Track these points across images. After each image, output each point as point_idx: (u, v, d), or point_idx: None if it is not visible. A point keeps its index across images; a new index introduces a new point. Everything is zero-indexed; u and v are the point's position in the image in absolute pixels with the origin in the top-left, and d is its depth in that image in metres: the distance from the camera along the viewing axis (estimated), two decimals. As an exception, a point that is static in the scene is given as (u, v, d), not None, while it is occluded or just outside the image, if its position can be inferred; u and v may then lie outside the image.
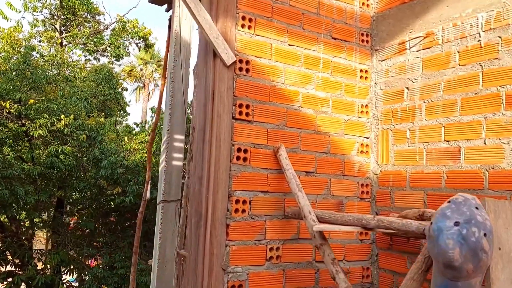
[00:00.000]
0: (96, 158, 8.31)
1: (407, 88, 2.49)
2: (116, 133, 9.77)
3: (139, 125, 10.12)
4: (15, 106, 7.73)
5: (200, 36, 2.40)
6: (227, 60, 2.20)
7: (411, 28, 2.50)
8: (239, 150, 2.21)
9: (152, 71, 26.88)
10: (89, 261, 10.17)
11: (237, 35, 2.27)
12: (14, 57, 9.06)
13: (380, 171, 2.61)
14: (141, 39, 12.52)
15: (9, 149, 7.63)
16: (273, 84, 2.37)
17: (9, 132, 8.03)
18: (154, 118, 6.37)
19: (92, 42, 11.97)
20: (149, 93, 26.93)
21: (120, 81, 12.28)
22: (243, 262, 2.17)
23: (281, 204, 2.32)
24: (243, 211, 2.20)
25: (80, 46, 12.12)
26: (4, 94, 7.93)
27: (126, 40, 12.49)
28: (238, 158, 2.21)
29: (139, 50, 13.10)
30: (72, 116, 8.22)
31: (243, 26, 2.30)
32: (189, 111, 5.46)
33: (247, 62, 2.29)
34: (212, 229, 2.12)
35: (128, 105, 11.99)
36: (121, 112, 10.96)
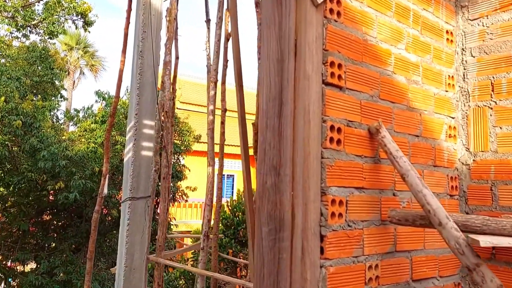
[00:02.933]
0: (33, 148, 7.12)
1: (517, 53, 1.94)
2: (56, 120, 8.54)
3: (81, 111, 8.94)
4: None
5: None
6: (318, -4, 1.51)
7: (522, -24, 1.95)
8: (332, 128, 1.53)
9: (78, 58, 25.01)
10: (21, 266, 8.86)
11: (325, -36, 1.58)
12: None
13: (474, 160, 2.04)
14: (79, 16, 11.18)
15: None
16: (365, 38, 1.70)
17: None
18: (113, 101, 5.43)
19: (21, 16, 10.43)
20: (74, 81, 25.04)
21: (63, 59, 10.88)
22: (340, 290, 1.50)
23: (378, 205, 1.67)
24: (340, 215, 1.52)
25: (7, 20, 10.53)
26: None
27: (61, 16, 11.07)
28: (331, 140, 1.52)
29: (76, 28, 11.74)
30: (2, 98, 6.96)
31: (330, -49, 1.60)
32: (165, 92, 4.62)
33: (338, 2, 1.60)
34: (304, 243, 1.43)
35: (65, 89, 10.65)
36: (58, 96, 9.63)
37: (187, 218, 18.26)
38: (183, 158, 9.71)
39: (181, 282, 10.49)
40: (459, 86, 2.12)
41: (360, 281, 1.56)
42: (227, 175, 22.27)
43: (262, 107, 1.59)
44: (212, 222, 4.90)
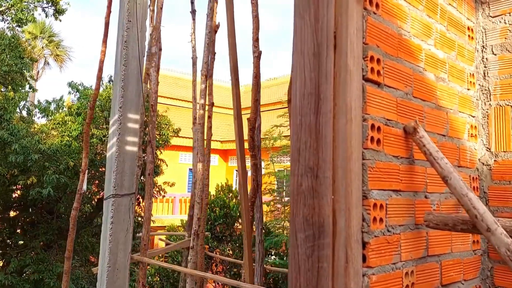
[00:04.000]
0: (3, 141, 6.75)
1: (542, 52, 1.90)
2: (27, 112, 8.14)
3: (52, 103, 8.53)
4: None
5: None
6: (360, -14, 1.41)
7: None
8: (372, 127, 1.43)
9: (43, 47, 24.11)
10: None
11: (364, -49, 1.48)
12: None
13: (495, 160, 1.99)
14: (50, 3, 10.69)
15: None
16: (400, 32, 1.61)
17: None
18: (93, 93, 5.18)
19: (-13, 2, 9.89)
20: (38, 71, 24.15)
21: (29, 48, 10.39)
22: (379, 299, 1.42)
23: (412, 208, 1.59)
24: (380, 220, 1.43)
25: (-29, 5, 9.97)
26: None
27: (31, 3, 10.57)
28: (372, 139, 1.43)
29: (46, 16, 11.24)
30: (-31, 89, 6.56)
31: None
32: (150, 85, 4.42)
33: (377, -6, 1.51)
34: (348, 252, 1.33)
35: (35, 79, 10.18)
36: (27, 87, 9.16)
37: (159, 213, 17.95)
38: (161, 152, 9.48)
39: (155, 279, 10.29)
40: (479, 85, 2.07)
41: (398, 289, 1.48)
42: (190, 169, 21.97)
43: (296, 103, 1.48)
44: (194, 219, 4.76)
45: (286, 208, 10.02)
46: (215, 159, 21.43)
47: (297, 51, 1.50)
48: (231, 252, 10.92)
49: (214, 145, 17.59)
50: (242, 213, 3.48)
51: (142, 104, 4.51)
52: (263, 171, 15.18)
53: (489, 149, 2.02)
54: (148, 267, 10.17)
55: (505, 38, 2.01)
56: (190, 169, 22.16)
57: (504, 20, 2.02)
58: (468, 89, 2.00)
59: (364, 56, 1.44)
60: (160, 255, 11.49)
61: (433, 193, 1.70)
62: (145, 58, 4.73)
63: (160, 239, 7.77)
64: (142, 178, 7.33)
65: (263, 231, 4.56)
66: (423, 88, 1.70)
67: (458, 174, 1.45)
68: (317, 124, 1.40)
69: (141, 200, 9.01)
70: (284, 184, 11.76)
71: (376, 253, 1.40)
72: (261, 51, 3.64)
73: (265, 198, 11.80)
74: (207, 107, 4.62)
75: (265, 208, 11.25)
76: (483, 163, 2.03)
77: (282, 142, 10.40)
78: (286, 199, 10.36)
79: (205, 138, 4.35)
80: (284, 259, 10.41)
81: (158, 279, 10.62)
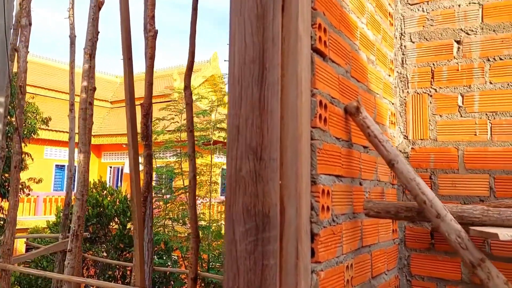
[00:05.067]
0: None
1: (458, 41, 1.93)
2: None
3: None
4: None
5: None
6: None
7: (464, -35, 1.95)
8: (320, 104, 1.26)
9: None
10: None
11: None
12: None
13: (412, 148, 1.98)
14: None
15: None
16: (342, 4, 1.47)
17: None
18: None
19: None
20: None
21: None
22: (326, 298, 1.25)
23: (351, 196, 1.46)
24: (327, 209, 1.26)
25: None
26: None
27: None
28: (320, 117, 1.26)
29: None
30: None
31: None
32: (19, 62, 3.74)
33: (325, -45, 1.34)
34: (298, 246, 1.13)
35: None
36: None
37: (19, 214, 16.03)
38: (25, 145, 8.37)
39: (18, 287, 9.11)
40: (397, 72, 2.05)
41: (340, 284, 1.34)
42: (60, 165, 20.24)
43: (234, 73, 1.25)
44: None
45: (167, 205, 9.62)
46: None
47: (236, 12, 1.26)
48: (105, 253, 10.16)
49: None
50: (133, 209, 3.12)
51: (7, 84, 3.82)
52: (141, 167, 14.48)
53: (407, 136, 2.00)
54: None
55: (423, 27, 2.01)
56: (57, 165, 20.28)
57: (422, 8, 2.02)
58: (389, 75, 1.96)
59: (312, 23, 1.27)
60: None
61: (365, 180, 1.60)
62: (11, 31, 4.03)
63: (29, 244, 6.82)
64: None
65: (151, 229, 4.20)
66: (359, 68, 1.59)
67: (403, 158, 1.36)
68: (262, 97, 1.19)
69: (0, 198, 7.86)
70: (164, 180, 11.31)
71: (325, 246, 1.23)
72: (157, 30, 3.30)
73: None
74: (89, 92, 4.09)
75: (144, 205, 10.68)
76: (400, 151, 2.00)
77: (165, 136, 9.97)
78: (168, 196, 9.96)
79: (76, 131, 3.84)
80: (164, 258, 10.00)
81: (19, 287, 9.43)
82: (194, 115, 10.07)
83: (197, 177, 9.79)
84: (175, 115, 9.43)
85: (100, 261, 7.88)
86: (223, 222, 10.83)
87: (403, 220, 1.50)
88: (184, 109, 9.79)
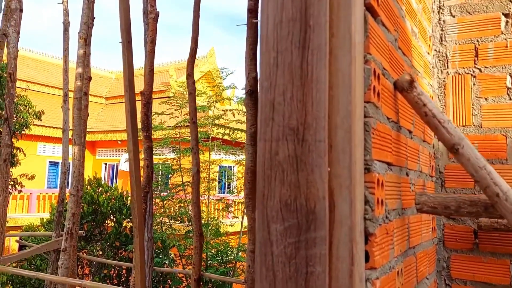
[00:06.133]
0: None
1: (506, 14, 1.70)
2: None
3: None
4: None
5: None
6: None
7: None
8: (374, 74, 1.03)
9: None
10: None
11: None
12: None
13: (452, 136, 1.75)
14: None
15: None
16: (390, -41, 1.23)
17: None
18: None
19: None
20: None
21: None
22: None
23: (399, 188, 1.22)
24: (381, 203, 1.03)
25: None
26: None
27: None
28: (374, 91, 1.02)
29: None
30: None
31: None
32: (9, 48, 3.48)
33: None
34: (353, 248, 0.90)
35: None
36: None
37: (12, 211, 15.73)
38: (17, 140, 8.07)
39: (8, 287, 8.84)
40: (435, 50, 1.81)
41: (393, 295, 1.10)
42: (53, 162, 19.96)
43: (266, 35, 1.01)
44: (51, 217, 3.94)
45: (164, 202, 9.37)
46: (80, 151, 19.55)
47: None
48: (100, 252, 9.90)
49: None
50: (133, 205, 2.88)
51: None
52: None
53: (446, 123, 1.77)
54: (-1, 274, 8.68)
55: (465, -1, 1.78)
56: (51, 162, 19.95)
57: (463, -22, 1.79)
58: (428, 53, 1.73)
59: (364, -26, 1.03)
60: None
61: (411, 170, 1.36)
62: (1, 15, 3.77)
63: (22, 242, 6.55)
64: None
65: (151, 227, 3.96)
66: (404, 39, 1.35)
67: (469, 141, 1.12)
68: (304, 63, 0.95)
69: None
70: (160, 177, 11.06)
71: (380, 248, 1.00)
72: (158, 12, 3.05)
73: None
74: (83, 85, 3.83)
75: (140, 202, 10.43)
76: (438, 139, 1.77)
77: (163, 132, 9.71)
78: (164, 194, 9.71)
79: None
80: (160, 256, 9.75)
81: (12, 286, 9.16)
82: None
83: (195, 173, 9.55)
84: (175, 110, 9.16)
85: (97, 261, 7.61)
86: (221, 219, 10.61)
87: (466, 217, 1.28)
88: (184, 104, 9.55)
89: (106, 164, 21.56)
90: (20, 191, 8.59)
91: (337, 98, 0.93)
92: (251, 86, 2.49)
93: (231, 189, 13.93)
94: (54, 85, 20.32)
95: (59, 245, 4.09)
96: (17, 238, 11.92)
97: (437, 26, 1.81)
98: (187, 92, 10.77)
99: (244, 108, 9.90)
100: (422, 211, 1.21)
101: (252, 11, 2.49)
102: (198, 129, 10.25)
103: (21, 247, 14.40)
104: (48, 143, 19.21)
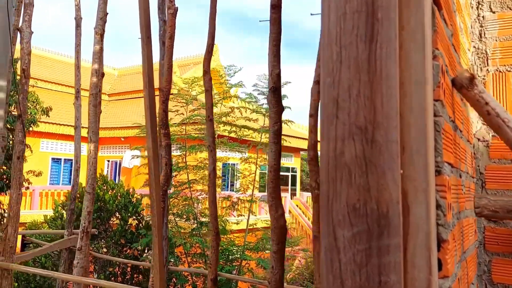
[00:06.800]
0: None
1: (551, 10, 1.64)
2: None
3: None
4: None
5: None
6: None
7: None
8: (441, 71, 0.97)
9: None
10: None
11: None
12: None
13: (493, 136, 1.70)
14: None
15: None
16: (447, -50, 1.18)
17: None
18: None
19: None
20: None
21: None
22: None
23: (457, 191, 1.17)
24: (450, 207, 0.98)
25: None
26: None
27: None
28: (442, 88, 0.96)
29: None
30: None
31: None
32: (22, 44, 3.43)
33: None
34: (431, 257, 0.84)
35: None
36: None
37: (15, 208, 15.69)
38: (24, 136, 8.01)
39: (15, 284, 8.81)
40: (474, 47, 1.76)
41: (456, 304, 1.05)
42: (64, 159, 19.98)
43: (328, 28, 0.95)
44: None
45: (170, 201, 9.32)
46: (83, 148, 19.57)
47: None
48: (105, 250, 9.87)
49: (83, 132, 15.92)
50: (152, 204, 2.82)
51: (9, 67, 3.51)
52: (140, 162, 14.15)
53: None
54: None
55: (506, -7, 1.72)
56: (54, 159, 19.91)
57: (505, -28, 1.73)
58: (468, 50, 1.67)
59: (431, -36, 0.97)
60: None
61: (462, 171, 1.31)
62: (14, 9, 3.71)
63: (27, 239, 6.52)
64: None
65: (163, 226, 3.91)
66: (455, 34, 1.30)
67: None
68: (372, 57, 0.89)
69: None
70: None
71: (451, 255, 0.94)
72: (177, 7, 3.00)
73: (142, 190, 10.95)
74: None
75: (146, 201, 10.42)
76: (478, 139, 1.72)
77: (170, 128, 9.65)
78: (170, 191, 9.66)
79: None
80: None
81: (17, 284, 9.14)
82: (199, 107, 9.78)
83: (201, 171, 9.50)
84: (180, 107, 9.10)
85: (118, 261, 7.56)
86: (227, 218, 10.56)
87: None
88: (190, 101, 9.49)
89: (109, 161, 21.52)
90: (28, 188, 8.55)
91: (409, 96, 0.87)
92: (274, 83, 2.43)
93: (235, 186, 13.89)
94: (56, 81, 20.27)
95: (71, 243, 4.05)
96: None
97: (475, 22, 1.76)
98: (191, 89, 10.65)
99: (250, 106, 9.84)
100: (482, 215, 1.16)
101: (275, 7, 2.43)
102: (204, 126, 10.20)
103: (24, 244, 14.38)
104: (51, 140, 19.18)
